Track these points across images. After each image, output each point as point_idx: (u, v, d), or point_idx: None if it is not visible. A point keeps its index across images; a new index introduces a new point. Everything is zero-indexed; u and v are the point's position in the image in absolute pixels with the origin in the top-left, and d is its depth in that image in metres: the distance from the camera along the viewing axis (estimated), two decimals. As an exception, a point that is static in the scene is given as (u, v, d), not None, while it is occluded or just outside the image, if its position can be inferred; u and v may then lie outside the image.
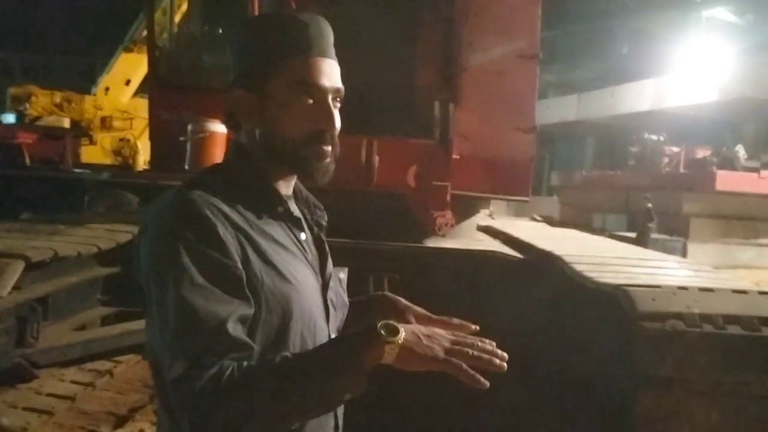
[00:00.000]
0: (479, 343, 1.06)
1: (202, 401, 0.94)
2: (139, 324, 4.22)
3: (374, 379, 1.01)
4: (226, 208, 1.08)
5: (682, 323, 2.25)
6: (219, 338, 0.98)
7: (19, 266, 3.25)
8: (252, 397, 0.96)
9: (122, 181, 6.47)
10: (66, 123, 13.17)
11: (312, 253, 1.24)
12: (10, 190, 9.57)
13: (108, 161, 12.87)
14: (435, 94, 4.12)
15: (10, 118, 14.12)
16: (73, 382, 4.16)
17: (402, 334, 1.00)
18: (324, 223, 1.31)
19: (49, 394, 3.95)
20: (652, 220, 13.15)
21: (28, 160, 11.23)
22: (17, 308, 3.53)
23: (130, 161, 12.36)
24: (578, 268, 3.02)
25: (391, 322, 1.02)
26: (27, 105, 13.54)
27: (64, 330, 4.08)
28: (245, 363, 0.98)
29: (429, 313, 1.29)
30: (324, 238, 1.29)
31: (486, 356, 1.04)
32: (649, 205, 13.18)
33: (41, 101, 13.66)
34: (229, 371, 0.95)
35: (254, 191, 1.16)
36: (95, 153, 13.28)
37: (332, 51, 1.18)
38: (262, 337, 1.07)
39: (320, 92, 1.14)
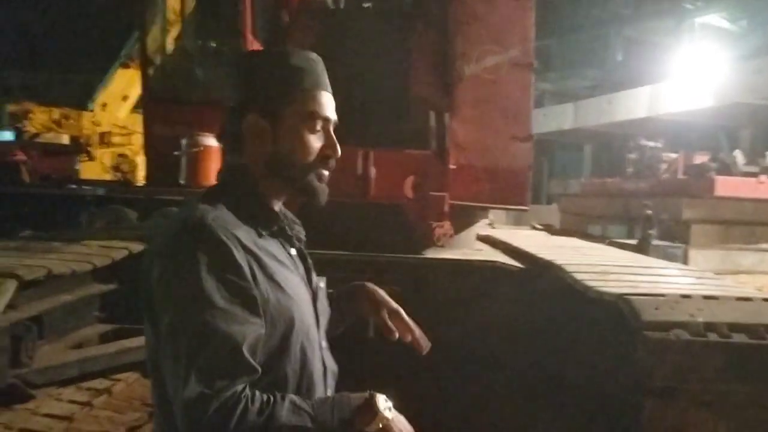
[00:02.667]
0: None
1: (213, 424, 0.99)
2: (138, 341, 4.19)
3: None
4: (236, 231, 1.15)
5: (686, 332, 2.21)
6: (234, 363, 1.04)
7: (12, 285, 3.21)
8: None
9: (119, 197, 6.47)
10: (65, 139, 13.15)
11: (301, 266, 1.33)
12: (9, 208, 9.50)
13: (108, 177, 12.84)
14: (430, 104, 4.10)
15: (7, 135, 14.10)
16: (71, 401, 4.08)
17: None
18: (303, 238, 1.39)
19: (46, 415, 3.86)
20: (652, 227, 13.11)
21: (27, 178, 11.17)
22: (11, 328, 3.47)
23: (129, 176, 12.33)
24: (579, 277, 2.98)
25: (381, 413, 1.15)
26: (25, 122, 13.53)
27: (60, 349, 4.02)
28: (257, 395, 1.05)
29: (401, 310, 1.40)
30: (305, 251, 1.38)
31: None
32: (649, 212, 13.14)
33: (39, 118, 13.60)
34: (242, 404, 1.02)
35: (254, 211, 1.23)
36: (95, 169, 13.24)
37: (329, 87, 1.31)
38: (265, 349, 1.13)
39: (326, 122, 1.28)
